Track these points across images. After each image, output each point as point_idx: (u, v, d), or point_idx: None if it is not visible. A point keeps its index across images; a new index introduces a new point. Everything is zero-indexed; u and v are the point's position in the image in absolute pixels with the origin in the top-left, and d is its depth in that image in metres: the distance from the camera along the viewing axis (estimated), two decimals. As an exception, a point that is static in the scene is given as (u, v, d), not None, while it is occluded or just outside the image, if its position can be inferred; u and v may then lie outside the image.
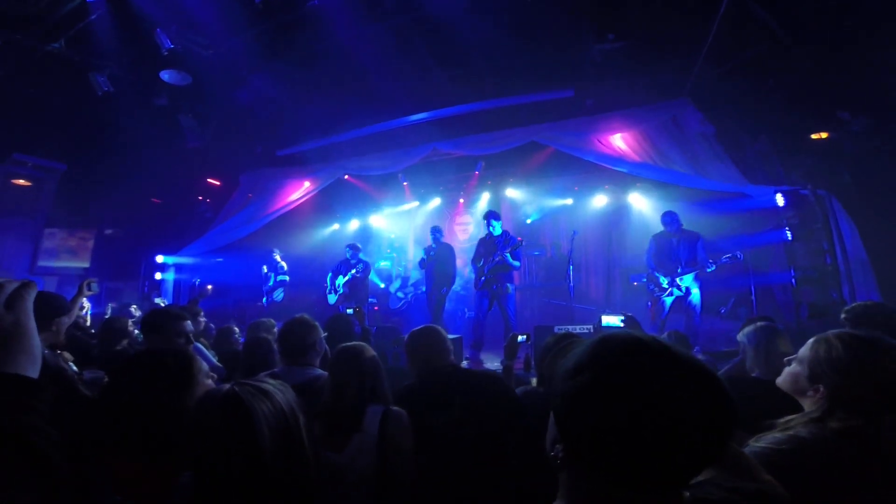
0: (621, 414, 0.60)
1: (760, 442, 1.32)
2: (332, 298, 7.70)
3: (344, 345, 2.14)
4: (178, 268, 9.40)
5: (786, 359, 1.54)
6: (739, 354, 2.48)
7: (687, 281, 5.65)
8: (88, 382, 2.70)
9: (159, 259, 9.23)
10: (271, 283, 8.45)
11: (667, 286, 5.71)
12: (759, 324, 2.35)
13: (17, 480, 0.52)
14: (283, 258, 8.73)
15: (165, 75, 5.75)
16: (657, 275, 5.83)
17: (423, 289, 9.36)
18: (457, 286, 8.75)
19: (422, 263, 7.13)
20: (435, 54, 5.58)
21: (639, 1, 4.61)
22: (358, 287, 7.67)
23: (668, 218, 5.91)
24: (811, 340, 1.45)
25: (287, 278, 8.52)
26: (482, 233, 6.42)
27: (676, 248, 5.78)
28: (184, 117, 6.73)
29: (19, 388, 0.59)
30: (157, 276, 9.30)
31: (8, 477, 0.52)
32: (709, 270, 5.50)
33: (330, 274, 7.91)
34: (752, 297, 6.45)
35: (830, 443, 1.24)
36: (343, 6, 4.68)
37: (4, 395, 0.57)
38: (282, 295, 8.63)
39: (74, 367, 3.00)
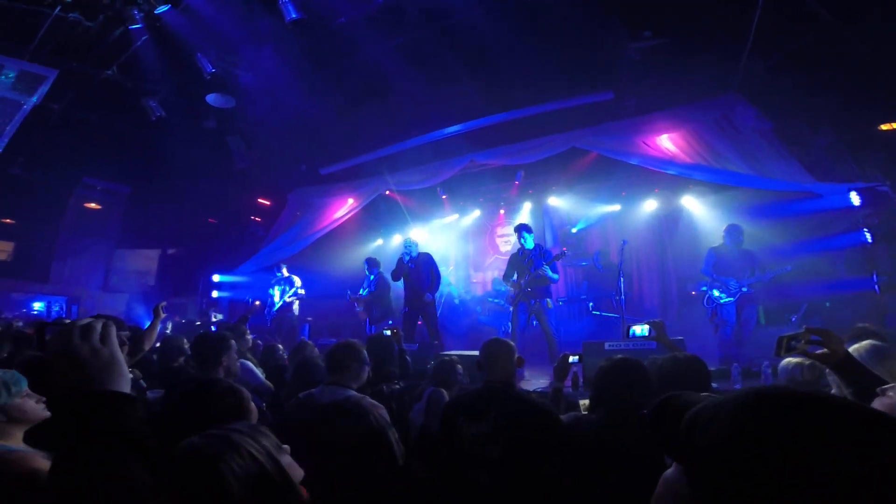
0: (765, 460, 0.53)
1: None
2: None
3: (438, 361, 3.26)
4: (233, 284, 9.82)
5: (878, 389, 1.33)
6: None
7: (746, 289, 5.49)
8: (152, 402, 2.81)
9: (215, 278, 9.69)
10: (287, 299, 8.25)
11: (735, 288, 5.51)
12: (872, 342, 1.93)
13: (129, 465, 0.73)
14: (293, 272, 8.56)
15: (211, 98, 6.06)
16: (723, 279, 5.60)
17: (457, 301, 9.27)
18: (499, 300, 8.60)
19: (395, 275, 6.71)
20: (466, 65, 5.53)
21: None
22: (372, 303, 7.67)
23: (734, 231, 5.73)
24: None
25: (303, 292, 8.34)
26: (516, 246, 6.28)
27: (737, 262, 5.60)
28: (231, 139, 7.06)
29: (122, 400, 0.79)
30: (214, 293, 9.77)
31: (123, 464, 0.73)
32: (772, 278, 5.41)
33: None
34: (827, 305, 5.91)
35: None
36: (369, 22, 4.73)
37: (116, 405, 0.78)
38: (298, 310, 8.51)
39: (143, 383, 3.17)
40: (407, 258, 6.56)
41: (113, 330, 0.86)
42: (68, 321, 0.86)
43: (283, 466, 1.05)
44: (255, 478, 0.98)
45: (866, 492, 0.48)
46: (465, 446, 2.13)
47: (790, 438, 0.53)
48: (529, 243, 6.02)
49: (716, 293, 5.62)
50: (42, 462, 1.26)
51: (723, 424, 0.59)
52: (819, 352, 1.60)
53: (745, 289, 5.44)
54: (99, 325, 0.85)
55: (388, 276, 7.50)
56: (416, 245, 6.75)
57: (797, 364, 2.63)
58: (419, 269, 6.52)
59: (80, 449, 0.72)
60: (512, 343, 2.54)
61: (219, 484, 0.94)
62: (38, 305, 9.21)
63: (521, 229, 6.09)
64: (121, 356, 0.85)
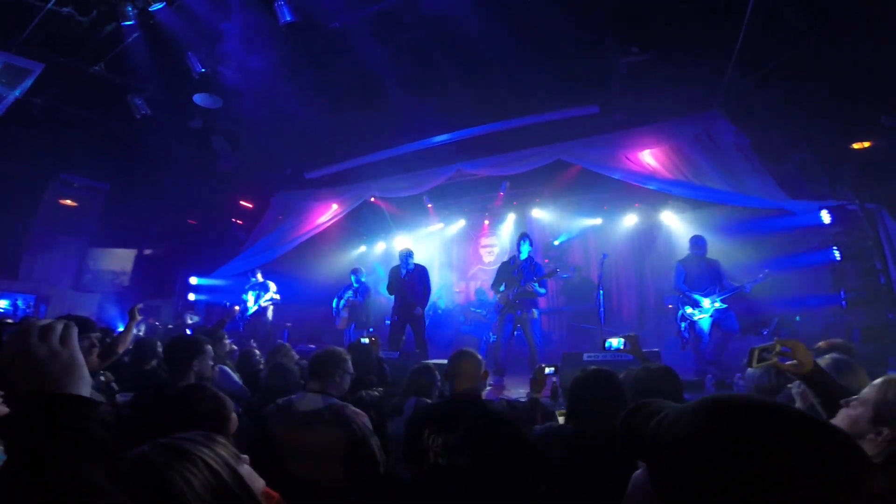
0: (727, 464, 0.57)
1: None
2: (338, 322, 7.89)
3: (419, 366, 3.18)
4: (211, 287, 9.63)
5: (843, 401, 1.39)
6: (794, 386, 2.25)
7: (720, 303, 5.50)
8: (121, 405, 2.73)
9: (193, 281, 9.49)
10: (262, 304, 8.18)
11: (710, 306, 5.50)
12: (832, 356, 2.01)
13: (88, 470, 0.71)
14: (274, 277, 8.51)
15: (198, 98, 5.98)
16: (696, 296, 5.57)
17: (440, 311, 9.25)
18: (481, 310, 8.62)
19: (389, 288, 6.58)
20: (457, 74, 5.57)
21: (661, 11, 4.48)
22: (356, 310, 7.67)
23: (699, 243, 5.77)
24: (879, 381, 1.33)
25: (278, 297, 8.28)
26: (509, 254, 6.29)
27: (705, 273, 5.64)
28: (216, 139, 6.97)
29: (83, 403, 0.78)
30: (191, 296, 9.56)
31: (82, 469, 0.70)
32: (751, 289, 5.41)
33: (336, 298, 8.01)
34: (797, 319, 6.10)
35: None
36: (364, 27, 4.74)
37: (74, 409, 0.76)
38: (272, 315, 8.42)
39: (115, 386, 3.08)
40: (404, 272, 6.43)
41: (74, 331, 0.84)
42: (32, 320, 0.85)
43: (243, 476, 1.02)
44: (212, 489, 0.95)
45: (800, 490, 0.54)
46: (438, 456, 2.14)
47: (738, 441, 0.58)
48: (524, 254, 6.02)
49: (688, 310, 5.62)
50: None
51: (682, 427, 0.65)
52: (788, 363, 1.66)
53: (718, 304, 5.46)
54: (59, 326, 0.82)
55: (371, 286, 7.53)
56: (413, 256, 6.62)
57: (764, 371, 2.70)
58: (413, 282, 6.43)
59: (37, 452, 0.70)
60: (479, 356, 2.56)
61: (169, 494, 0.90)
62: (3, 303, 8.86)
63: (524, 237, 6.11)
64: (81, 359, 0.83)
